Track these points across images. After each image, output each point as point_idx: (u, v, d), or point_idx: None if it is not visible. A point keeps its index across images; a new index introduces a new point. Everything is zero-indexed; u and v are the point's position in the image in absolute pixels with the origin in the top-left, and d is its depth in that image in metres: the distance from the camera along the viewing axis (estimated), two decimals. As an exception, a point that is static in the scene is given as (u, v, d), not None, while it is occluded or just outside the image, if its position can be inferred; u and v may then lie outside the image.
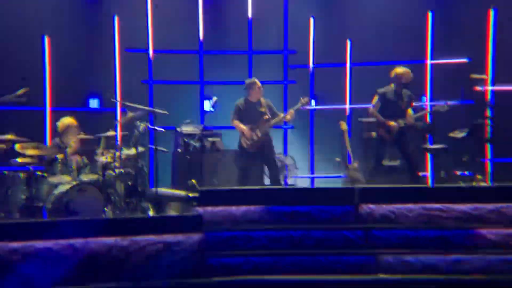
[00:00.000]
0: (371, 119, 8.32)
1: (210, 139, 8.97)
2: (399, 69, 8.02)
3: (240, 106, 8.06)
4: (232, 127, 8.31)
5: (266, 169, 8.35)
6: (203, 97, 9.99)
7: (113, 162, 7.44)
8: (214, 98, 8.05)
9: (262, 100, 8.07)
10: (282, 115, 8.12)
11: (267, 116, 7.96)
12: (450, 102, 8.08)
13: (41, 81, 9.40)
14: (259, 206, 6.30)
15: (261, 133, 7.92)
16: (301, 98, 8.08)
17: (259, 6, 9.98)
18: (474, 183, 8.05)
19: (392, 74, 8.06)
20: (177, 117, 8.75)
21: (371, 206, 6.30)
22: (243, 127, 7.93)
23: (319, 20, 10.04)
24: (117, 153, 7.39)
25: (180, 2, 9.87)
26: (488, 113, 8.48)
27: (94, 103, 9.68)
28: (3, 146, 7.32)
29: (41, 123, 9.38)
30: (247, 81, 8.21)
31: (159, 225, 6.01)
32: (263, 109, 7.99)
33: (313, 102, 10.00)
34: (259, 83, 8.05)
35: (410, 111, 8.11)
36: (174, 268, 5.80)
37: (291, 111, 8.04)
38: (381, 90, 8.11)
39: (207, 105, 9.72)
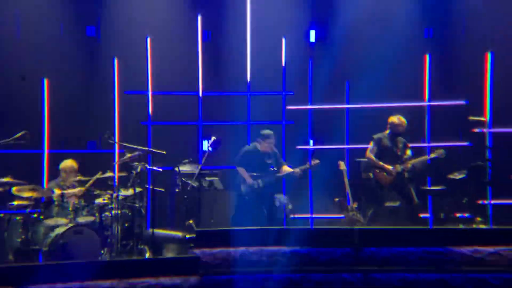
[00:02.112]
0: (366, 159, 8.36)
1: (208, 178, 8.95)
2: (394, 119, 8.14)
3: (247, 153, 8.14)
4: (230, 167, 8.32)
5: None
6: (202, 137, 10.00)
7: (110, 203, 7.40)
8: (213, 138, 8.08)
9: (272, 151, 8.19)
10: (287, 170, 8.13)
11: (274, 169, 8.03)
12: (442, 152, 8.08)
13: (40, 124, 9.42)
14: (257, 248, 6.24)
15: (262, 184, 8.03)
16: (312, 160, 8.25)
17: (258, 48, 10.08)
18: (474, 225, 8.00)
19: (389, 121, 8.15)
20: (176, 157, 8.74)
21: (372, 248, 6.23)
22: (247, 176, 8.03)
23: (317, 61, 10.13)
24: (115, 195, 7.35)
25: (179, 45, 9.96)
26: (487, 155, 8.50)
27: (92, 145, 9.69)
28: (0, 189, 7.29)
29: (38, 165, 9.36)
30: (264, 132, 8.31)
31: (156, 268, 5.94)
32: (269, 161, 8.11)
33: (311, 142, 10.02)
34: (273, 139, 8.23)
35: (408, 152, 8.14)
36: (171, 313, 5.71)
37: (297, 170, 8.17)
38: (376, 136, 8.21)
39: (205, 145, 9.74)
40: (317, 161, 8.28)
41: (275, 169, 8.13)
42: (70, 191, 7.70)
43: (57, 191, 7.63)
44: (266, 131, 8.34)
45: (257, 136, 8.41)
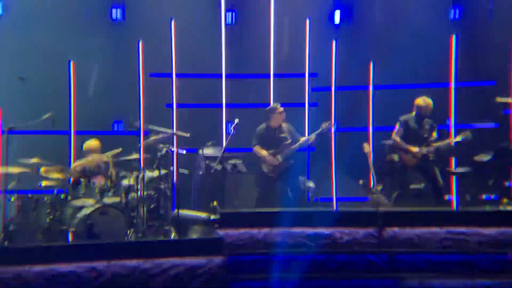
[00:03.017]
0: (391, 141, 8.32)
1: (231, 161, 8.99)
2: (420, 101, 8.07)
3: (261, 132, 8.13)
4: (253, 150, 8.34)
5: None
6: (225, 120, 10.03)
7: (136, 184, 7.49)
8: (236, 120, 8.10)
9: (283, 125, 8.12)
10: (301, 140, 8.12)
11: (288, 141, 8.00)
12: (468, 134, 7.97)
13: (66, 106, 9.55)
14: (281, 229, 6.27)
15: (282, 159, 7.97)
16: (323, 123, 8.11)
17: (282, 30, 10.04)
18: (500, 207, 7.92)
19: (414, 103, 8.09)
20: (200, 140, 8.79)
21: (395, 229, 6.23)
22: (264, 153, 7.99)
23: (342, 43, 10.06)
24: (140, 176, 7.44)
25: (203, 27, 9.97)
26: (513, 136, 8.40)
27: (118, 126, 9.79)
28: (28, 169, 7.43)
29: (65, 146, 9.50)
30: (269, 106, 8.28)
31: (181, 248, 6.02)
32: (283, 135, 8.04)
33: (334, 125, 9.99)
34: (280, 109, 8.12)
35: (434, 134, 8.08)
36: (196, 292, 5.78)
37: (311, 136, 8.06)
38: (403, 118, 8.15)
39: (229, 128, 9.77)
40: (328, 122, 8.19)
41: (289, 141, 8.06)
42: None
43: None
44: (271, 105, 8.30)
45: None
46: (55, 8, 9.51)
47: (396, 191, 8.29)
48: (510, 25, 9.33)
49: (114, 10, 9.76)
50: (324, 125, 8.12)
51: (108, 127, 9.73)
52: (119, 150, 7.78)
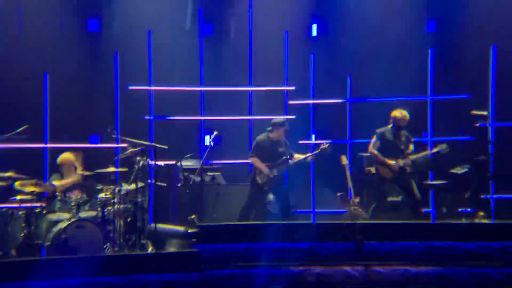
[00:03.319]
0: (368, 153, 8.36)
1: (210, 173, 8.95)
2: (397, 113, 8.14)
3: (260, 143, 8.13)
4: (233, 161, 8.33)
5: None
6: (204, 132, 9.99)
7: (112, 198, 7.41)
8: (215, 133, 8.08)
9: (282, 140, 8.17)
10: (300, 157, 8.13)
11: (287, 157, 8.04)
12: (445, 146, 8.05)
13: (42, 118, 9.42)
14: (259, 243, 6.24)
15: (277, 173, 8.03)
16: (322, 145, 8.20)
17: (260, 42, 10.06)
18: (476, 220, 7.99)
19: (391, 115, 8.14)
20: (178, 152, 8.74)
21: (373, 243, 6.23)
22: (262, 165, 8.00)
23: (319, 56, 10.11)
24: (117, 189, 7.36)
25: (181, 39, 9.94)
26: (489, 149, 8.48)
27: (94, 139, 9.69)
28: (3, 183, 7.31)
29: (41, 160, 9.36)
30: (277, 119, 8.29)
31: (158, 263, 5.93)
32: (281, 150, 8.09)
33: (313, 136, 10.01)
34: (287, 126, 8.16)
35: (411, 147, 8.14)
36: (173, 308, 5.71)
37: (311, 157, 8.16)
38: (379, 130, 8.21)
39: (207, 140, 9.73)
40: (327, 144, 8.24)
41: (288, 157, 8.11)
42: (69, 180, 7.60)
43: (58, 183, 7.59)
44: (278, 119, 8.34)
45: (269, 125, 8.36)
46: (31, 19, 9.40)
47: (374, 204, 8.31)
48: (485, 38, 9.46)
49: (90, 22, 9.68)
50: (323, 147, 8.19)
51: (84, 140, 9.61)
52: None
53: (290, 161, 8.12)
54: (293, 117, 10.14)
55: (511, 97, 9.40)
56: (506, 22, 9.44)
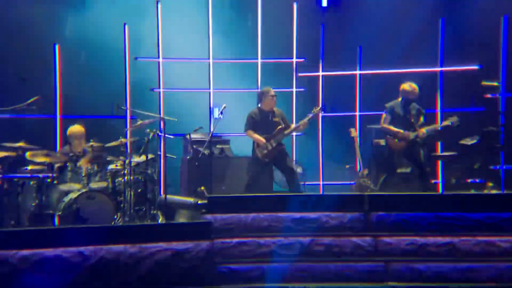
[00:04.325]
0: (379, 126, 8.33)
1: (219, 146, 8.98)
2: (406, 86, 8.05)
3: (253, 115, 8.03)
4: (241, 134, 8.31)
5: (277, 176, 8.37)
6: (213, 104, 10.00)
7: (123, 169, 7.46)
8: (223, 105, 8.07)
9: (275, 109, 8.07)
10: (293, 125, 8.08)
11: (282, 126, 7.94)
12: (455, 119, 7.97)
13: (52, 89, 9.46)
14: (268, 213, 6.29)
15: (276, 143, 7.90)
16: (314, 108, 8.07)
17: (269, 14, 9.99)
18: (486, 191, 7.99)
19: (400, 89, 8.08)
20: (187, 124, 8.77)
21: (381, 213, 6.26)
22: (258, 137, 7.91)
23: (329, 27, 10.03)
24: (127, 161, 7.41)
25: (190, 11, 9.89)
26: (500, 120, 8.43)
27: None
28: (14, 153, 7.37)
29: (51, 131, 9.43)
30: (261, 89, 8.22)
31: (168, 233, 6.01)
32: (276, 119, 7.98)
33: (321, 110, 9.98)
34: (272, 92, 8.03)
35: (421, 119, 8.09)
36: (183, 276, 5.79)
37: (305, 121, 7.97)
38: (389, 104, 8.15)
39: (216, 112, 9.74)
40: (319, 108, 8.12)
41: (283, 125, 7.98)
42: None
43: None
44: (263, 88, 8.25)
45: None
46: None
47: (383, 176, 8.31)
48: (497, 8, 9.34)
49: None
50: (315, 110, 8.05)
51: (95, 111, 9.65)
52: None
53: (286, 131, 7.97)
54: (302, 89, 10.12)
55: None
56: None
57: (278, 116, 8.02)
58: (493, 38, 9.41)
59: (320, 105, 8.25)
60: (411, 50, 9.62)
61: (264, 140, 7.88)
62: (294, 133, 9.73)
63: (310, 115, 8.01)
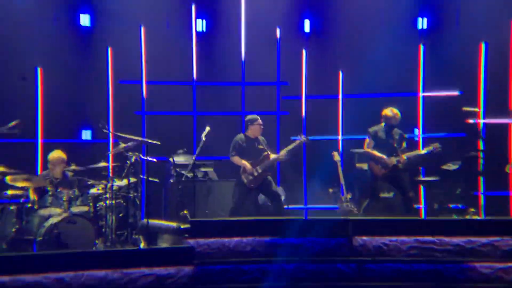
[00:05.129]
0: (363, 150, 8.38)
1: (203, 169, 8.95)
2: (388, 112, 8.13)
3: (240, 141, 8.08)
4: (225, 157, 8.30)
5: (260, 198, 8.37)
6: (196, 127, 9.99)
7: (104, 193, 7.39)
8: (207, 129, 8.06)
9: (260, 137, 8.14)
10: (275, 155, 8.10)
11: (267, 153, 7.99)
12: (437, 145, 8.05)
13: (34, 113, 9.38)
14: (251, 238, 6.26)
15: (261, 170, 7.95)
16: (300, 135, 8.14)
17: (253, 39, 10.06)
18: (467, 216, 8.05)
19: (382, 114, 8.16)
20: (170, 148, 8.73)
21: (365, 238, 6.27)
22: (245, 163, 7.95)
23: (312, 52, 10.13)
24: (109, 185, 7.34)
25: (173, 34, 9.92)
26: (481, 145, 8.53)
27: (86, 134, 9.67)
28: (-6, 178, 7.27)
29: (32, 155, 9.33)
30: (249, 117, 8.27)
31: (150, 258, 5.95)
32: (261, 146, 8.05)
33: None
34: (260, 121, 8.12)
35: (404, 144, 8.16)
36: (165, 302, 5.73)
37: (284, 152, 8.04)
38: (372, 129, 8.22)
39: (200, 136, 9.72)
40: (304, 137, 8.18)
41: (268, 153, 8.03)
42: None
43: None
44: (251, 116, 8.30)
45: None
46: (22, 13, 9.35)
47: (366, 200, 8.34)
48: (476, 35, 9.51)
49: (82, 16, 9.65)
50: (302, 139, 8.15)
51: (76, 135, 9.58)
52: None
53: (271, 158, 8.02)
54: (286, 113, 10.17)
55: (501, 94, 9.47)
56: (496, 19, 9.49)
57: (262, 144, 8.09)
58: (474, 65, 9.56)
59: (304, 136, 8.28)
60: (393, 75, 9.74)
61: (250, 166, 7.92)
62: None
63: (291, 146, 8.07)
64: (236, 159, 8.02)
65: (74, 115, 9.54)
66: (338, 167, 8.93)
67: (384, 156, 8.03)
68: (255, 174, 7.93)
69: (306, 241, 6.27)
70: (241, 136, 8.17)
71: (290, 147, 8.10)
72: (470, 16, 9.60)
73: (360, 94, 9.95)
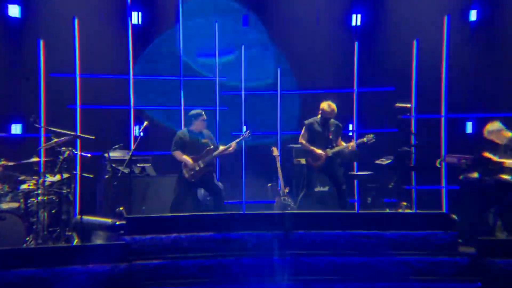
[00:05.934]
0: (299, 145, 8.47)
1: (140, 164, 8.81)
2: (325, 106, 8.21)
3: (182, 136, 8.05)
4: (164, 153, 8.22)
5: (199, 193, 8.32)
6: (133, 122, 9.82)
7: (36, 189, 7.17)
8: (145, 123, 7.95)
9: (205, 131, 8.12)
10: (222, 147, 8.10)
11: (210, 147, 7.97)
12: (371, 136, 8.21)
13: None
14: (189, 234, 6.21)
15: (204, 164, 7.94)
16: (244, 132, 8.16)
17: (191, 31, 9.97)
18: (400, 210, 8.25)
19: (320, 107, 8.25)
20: (106, 143, 8.54)
21: (301, 232, 6.33)
22: (186, 158, 7.92)
23: (251, 47, 10.13)
24: (40, 180, 7.12)
25: (108, 26, 9.70)
26: (412, 141, 8.77)
27: (17, 128, 9.33)
28: None
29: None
30: (193, 112, 8.22)
31: (84, 255, 5.81)
32: (205, 140, 8.03)
33: (244, 128, 10.04)
34: (204, 116, 8.10)
35: (339, 137, 8.29)
36: (99, 300, 5.61)
37: (233, 144, 8.07)
38: (308, 121, 8.30)
39: (137, 130, 9.57)
40: (248, 132, 8.27)
41: (211, 147, 8.05)
42: None
43: None
44: (195, 111, 8.27)
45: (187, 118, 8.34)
46: None
47: (302, 192, 8.43)
48: (409, 32, 9.74)
49: (10, 7, 9.28)
50: (246, 134, 8.21)
51: (5, 129, 9.23)
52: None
53: (214, 153, 8.04)
54: (225, 108, 10.14)
55: (432, 90, 9.76)
56: (429, 16, 9.76)
57: (207, 137, 8.09)
58: (406, 61, 9.81)
59: (249, 131, 8.33)
60: (330, 70, 9.88)
61: (192, 162, 7.90)
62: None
63: (239, 138, 8.13)
64: (178, 154, 7.99)
65: (2, 108, 9.18)
66: (277, 161, 8.99)
67: (317, 150, 8.12)
68: (197, 168, 7.94)
69: (244, 235, 6.28)
70: (183, 131, 8.14)
71: (238, 139, 8.17)
72: (403, 13, 9.83)
73: (298, 90, 10.04)
